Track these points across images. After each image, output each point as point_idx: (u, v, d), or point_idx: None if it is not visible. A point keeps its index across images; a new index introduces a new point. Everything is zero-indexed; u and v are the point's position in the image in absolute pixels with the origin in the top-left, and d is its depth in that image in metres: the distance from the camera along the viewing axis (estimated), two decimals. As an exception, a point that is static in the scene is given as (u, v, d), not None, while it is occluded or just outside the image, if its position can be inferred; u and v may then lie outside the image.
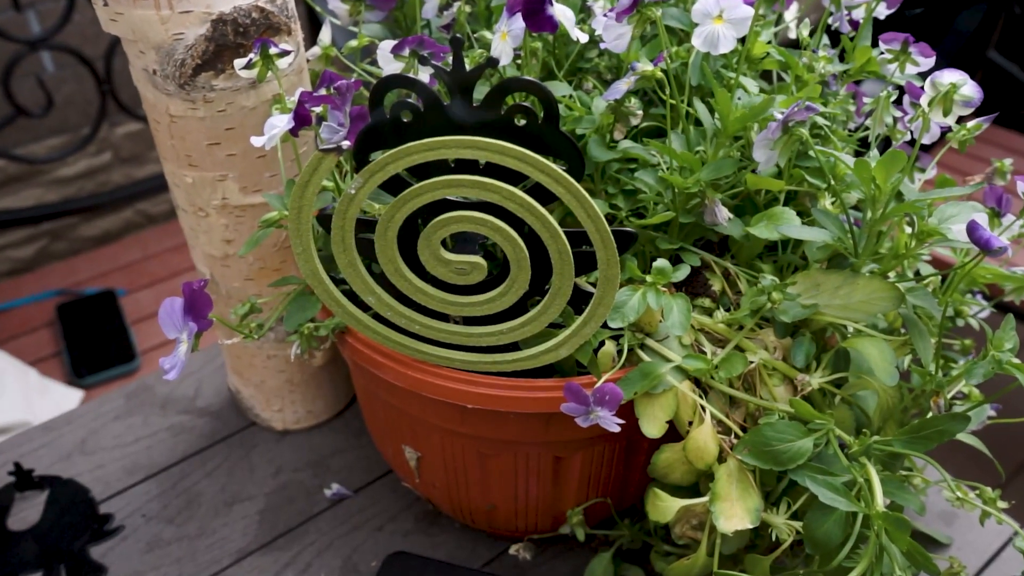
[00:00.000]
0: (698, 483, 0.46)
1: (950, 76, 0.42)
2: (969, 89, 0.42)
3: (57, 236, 1.73)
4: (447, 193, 0.41)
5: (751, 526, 0.42)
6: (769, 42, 0.50)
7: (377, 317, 0.46)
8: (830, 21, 0.52)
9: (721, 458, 0.44)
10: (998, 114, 0.47)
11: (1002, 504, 0.46)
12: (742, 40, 0.46)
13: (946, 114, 0.42)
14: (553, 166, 0.39)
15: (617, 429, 0.43)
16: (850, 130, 0.54)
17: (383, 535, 0.60)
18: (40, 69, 1.59)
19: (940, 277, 0.49)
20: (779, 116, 0.43)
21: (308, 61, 0.54)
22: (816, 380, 0.45)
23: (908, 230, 0.48)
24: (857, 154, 0.52)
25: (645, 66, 0.45)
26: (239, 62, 0.46)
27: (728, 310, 0.47)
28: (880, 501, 0.41)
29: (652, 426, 0.44)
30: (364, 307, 0.46)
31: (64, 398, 1.37)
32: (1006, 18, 1.54)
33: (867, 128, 0.51)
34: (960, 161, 1.47)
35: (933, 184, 0.50)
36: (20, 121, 1.58)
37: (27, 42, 1.51)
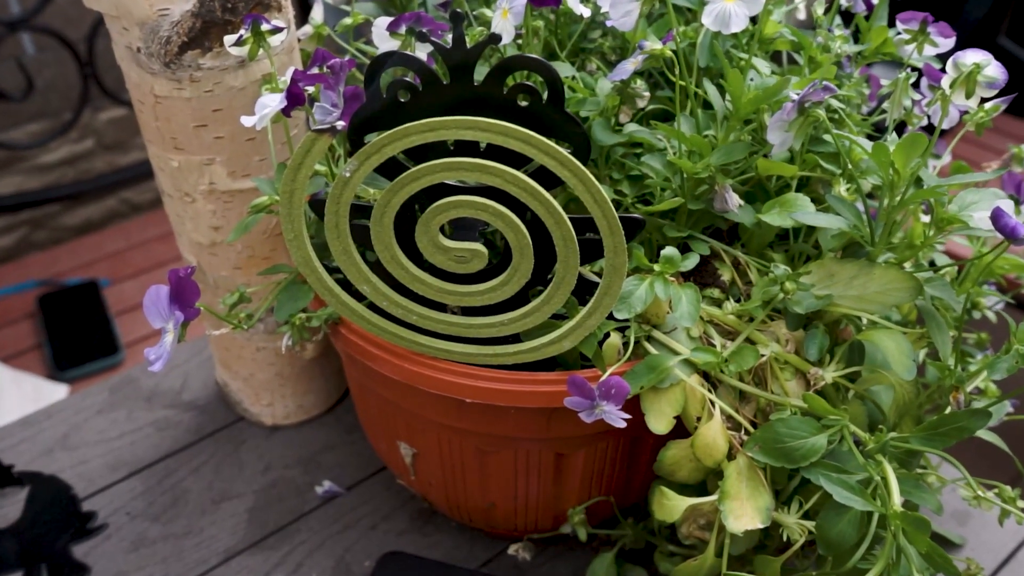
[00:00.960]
0: (706, 481, 0.45)
1: (973, 56, 0.41)
2: (993, 70, 0.40)
3: (38, 225, 1.71)
4: (446, 177, 0.39)
5: (761, 526, 0.41)
6: (780, 22, 0.49)
7: (372, 307, 0.45)
8: (843, 1, 0.51)
9: (730, 455, 0.43)
10: (1016, 95, 0.46)
11: (1021, 503, 0.45)
12: (752, 19, 0.44)
13: (969, 96, 0.41)
14: (559, 148, 0.37)
15: (623, 424, 0.42)
16: (864, 114, 0.52)
17: (377, 534, 0.59)
18: (20, 52, 1.57)
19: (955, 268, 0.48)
20: (794, 97, 0.42)
21: (299, 41, 0.53)
22: (830, 374, 0.44)
23: (924, 219, 0.46)
24: (871, 139, 0.51)
25: (654, 44, 0.43)
26: (229, 39, 0.45)
27: (738, 301, 0.46)
28: (897, 500, 0.40)
29: (659, 422, 0.43)
30: (358, 296, 0.45)
31: (54, 398, 1.35)
32: (1016, 4, 1.53)
33: (882, 112, 0.50)
34: (970, 150, 1.45)
35: (947, 171, 0.49)
36: None
37: (6, 23, 1.49)
